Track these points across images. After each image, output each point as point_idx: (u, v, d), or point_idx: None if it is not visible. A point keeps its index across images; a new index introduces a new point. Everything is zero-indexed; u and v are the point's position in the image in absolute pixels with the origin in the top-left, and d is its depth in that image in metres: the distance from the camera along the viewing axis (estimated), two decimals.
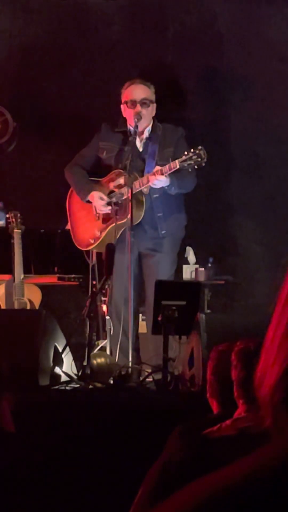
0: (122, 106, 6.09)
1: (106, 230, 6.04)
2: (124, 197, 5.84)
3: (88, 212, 6.16)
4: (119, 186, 5.94)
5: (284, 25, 6.98)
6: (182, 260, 6.53)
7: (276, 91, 7.00)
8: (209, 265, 6.56)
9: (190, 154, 5.64)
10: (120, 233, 5.87)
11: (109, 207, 5.99)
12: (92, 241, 6.14)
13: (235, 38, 7.07)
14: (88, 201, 6.11)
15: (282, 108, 6.96)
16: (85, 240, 6.20)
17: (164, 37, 7.13)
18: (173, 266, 6.15)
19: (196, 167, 5.66)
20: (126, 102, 6.04)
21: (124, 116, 6.09)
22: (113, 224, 5.92)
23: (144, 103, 6.00)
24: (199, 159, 5.63)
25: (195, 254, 6.67)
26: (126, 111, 6.05)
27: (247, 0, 7.06)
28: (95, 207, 6.09)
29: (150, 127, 6.09)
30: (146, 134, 6.09)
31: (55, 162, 7.02)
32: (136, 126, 5.92)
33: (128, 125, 6.06)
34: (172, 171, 5.69)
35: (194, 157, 5.63)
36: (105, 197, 6.02)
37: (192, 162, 5.63)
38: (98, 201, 6.03)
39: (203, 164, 5.66)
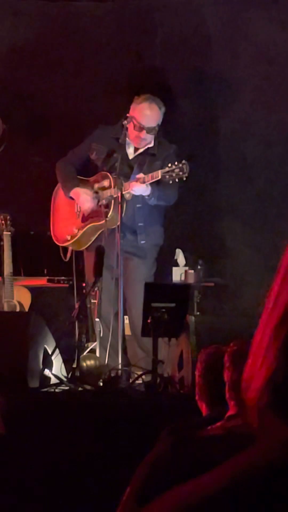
0: (128, 119, 5.93)
1: (84, 229, 6.07)
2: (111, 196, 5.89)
3: (70, 208, 6.19)
4: (103, 188, 5.97)
5: (272, 27, 7.00)
6: (171, 262, 6.54)
7: (264, 93, 7.01)
8: (199, 267, 6.57)
9: (173, 167, 5.65)
10: (97, 234, 5.93)
11: (93, 205, 6.01)
12: (68, 238, 6.17)
13: (223, 41, 7.08)
14: (71, 198, 6.13)
15: (270, 110, 6.98)
16: (63, 236, 6.23)
17: (152, 39, 7.14)
18: (152, 270, 6.14)
19: (177, 180, 5.67)
20: (133, 120, 5.91)
21: (128, 132, 5.99)
22: (91, 224, 5.99)
23: (151, 130, 5.98)
24: (181, 173, 5.64)
25: (185, 256, 6.67)
26: (130, 128, 5.98)
27: (235, 3, 7.07)
28: (77, 204, 6.12)
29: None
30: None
31: (44, 164, 7.02)
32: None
33: (127, 139, 6.01)
34: (153, 180, 5.71)
35: (176, 170, 5.64)
36: (90, 195, 6.03)
37: (174, 174, 5.64)
38: (85, 197, 6.04)
39: (184, 179, 5.66)
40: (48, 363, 5.12)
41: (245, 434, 1.10)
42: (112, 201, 5.81)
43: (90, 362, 5.25)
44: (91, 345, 5.72)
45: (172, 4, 7.13)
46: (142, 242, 6.01)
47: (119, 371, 5.20)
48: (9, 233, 6.30)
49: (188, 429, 2.71)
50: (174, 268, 6.60)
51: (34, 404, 4.64)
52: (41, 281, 6.55)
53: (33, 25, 7.22)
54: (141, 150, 6.08)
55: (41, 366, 5.08)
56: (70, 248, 6.22)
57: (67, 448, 4.37)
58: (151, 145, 6.06)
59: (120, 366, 5.34)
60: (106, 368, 5.25)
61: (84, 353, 5.45)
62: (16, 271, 6.33)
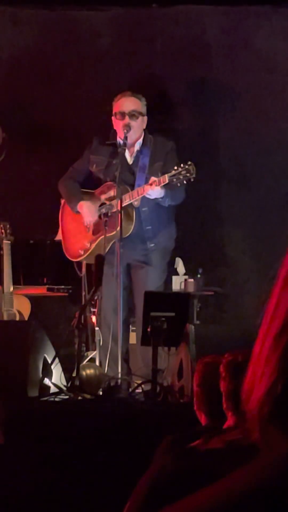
0: (112, 118, 6.08)
1: (96, 242, 6.04)
2: (114, 209, 5.83)
3: (79, 223, 6.16)
4: (110, 199, 5.95)
5: (272, 36, 7.01)
6: (171, 271, 6.53)
7: (264, 102, 7.02)
8: (198, 276, 6.56)
9: (180, 169, 5.64)
10: (110, 245, 5.86)
11: (95, 219, 6.02)
12: (82, 252, 6.15)
13: (223, 50, 7.09)
14: (78, 212, 6.12)
15: (270, 119, 6.98)
16: (76, 252, 6.20)
17: (152, 48, 7.14)
18: (162, 277, 6.16)
19: (185, 182, 5.67)
20: (115, 114, 6.03)
21: (114, 128, 6.08)
22: (103, 236, 5.92)
23: (132, 115, 5.98)
24: (188, 174, 5.64)
25: (185, 265, 6.67)
26: (116, 123, 6.04)
27: (236, 11, 7.08)
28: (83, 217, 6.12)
29: (141, 139, 6.09)
30: (136, 147, 6.08)
31: (44, 173, 7.02)
32: (126, 138, 5.92)
33: (118, 138, 6.05)
34: (161, 185, 5.70)
35: (183, 172, 5.63)
36: (93, 208, 6.03)
37: (181, 177, 5.63)
38: (86, 211, 6.05)
39: (192, 180, 5.66)
40: (47, 372, 5.11)
41: (246, 447, 1.08)
42: (122, 211, 5.77)
43: (89, 371, 5.24)
44: (91, 354, 5.71)
45: (172, 13, 7.14)
46: (152, 245, 5.99)
47: (119, 380, 5.19)
48: (9, 241, 6.29)
49: (187, 440, 2.69)
50: (174, 277, 6.59)
51: (34, 413, 4.62)
52: (40, 290, 6.54)
53: (32, 34, 7.22)
54: (136, 148, 6.06)
55: (40, 375, 5.07)
56: (84, 263, 6.20)
57: (66, 458, 4.35)
58: (141, 138, 6.05)
59: (119, 375, 5.33)
60: (105, 377, 5.24)
61: (84, 362, 5.44)
62: (16, 280, 6.32)
